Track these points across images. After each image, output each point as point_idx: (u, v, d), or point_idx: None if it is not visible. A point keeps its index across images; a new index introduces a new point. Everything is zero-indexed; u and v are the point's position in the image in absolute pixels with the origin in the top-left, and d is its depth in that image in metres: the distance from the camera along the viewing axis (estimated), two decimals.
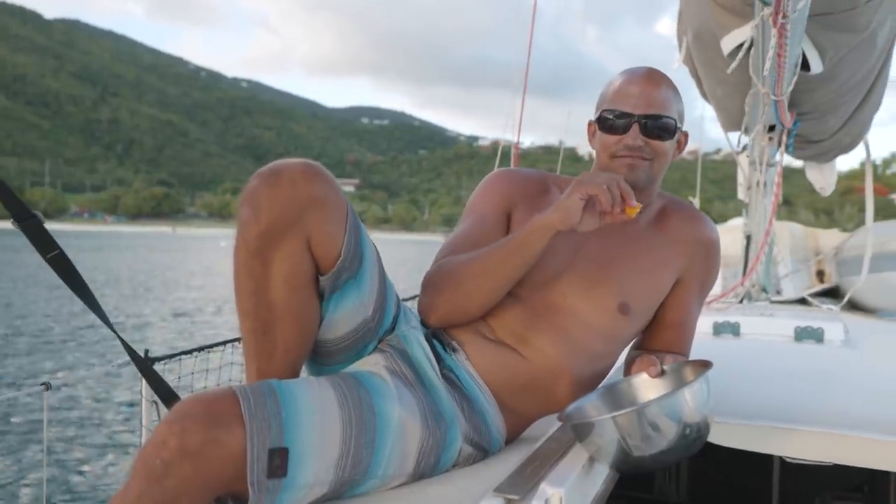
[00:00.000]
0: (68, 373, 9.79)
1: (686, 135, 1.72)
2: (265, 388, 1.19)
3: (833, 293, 4.78)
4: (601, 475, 1.44)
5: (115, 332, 1.57)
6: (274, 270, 1.29)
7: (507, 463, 1.43)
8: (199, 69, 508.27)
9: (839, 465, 1.59)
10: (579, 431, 1.33)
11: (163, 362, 2.40)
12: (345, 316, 1.40)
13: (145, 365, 1.80)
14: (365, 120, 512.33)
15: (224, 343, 2.64)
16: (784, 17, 2.74)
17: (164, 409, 1.96)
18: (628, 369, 1.65)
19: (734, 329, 3.13)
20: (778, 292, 4.67)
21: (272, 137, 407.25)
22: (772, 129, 4.01)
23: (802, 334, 3.05)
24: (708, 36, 3.81)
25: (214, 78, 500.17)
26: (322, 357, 1.46)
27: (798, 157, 4.52)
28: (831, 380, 2.35)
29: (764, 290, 4.36)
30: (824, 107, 3.85)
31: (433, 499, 1.32)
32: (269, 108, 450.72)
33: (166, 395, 1.76)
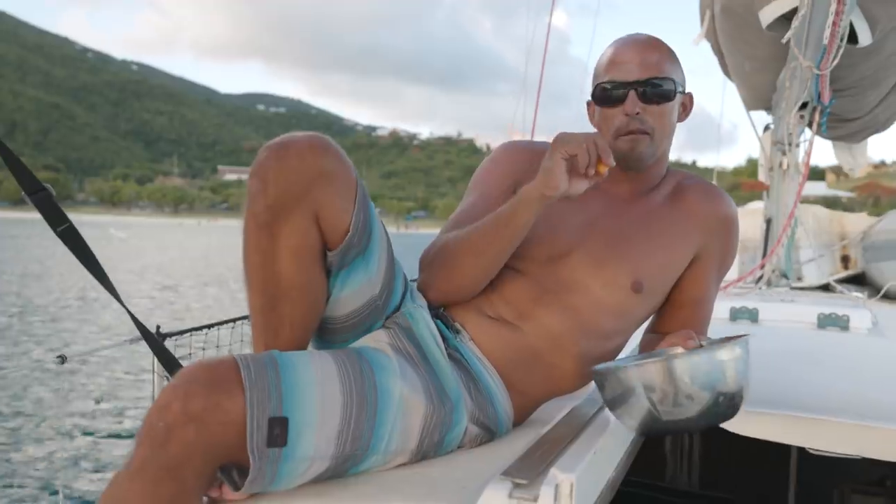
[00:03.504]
0: (82, 346, 9.89)
1: (690, 97, 1.65)
2: (266, 358, 1.19)
3: (858, 280, 4.65)
4: (612, 462, 1.40)
5: (125, 307, 1.55)
6: (282, 244, 1.27)
7: (513, 446, 1.40)
8: (85, 50, 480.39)
9: (861, 458, 1.53)
10: (608, 380, 1.30)
11: (174, 338, 2.38)
12: (352, 293, 1.37)
13: (156, 340, 1.78)
14: (261, 107, 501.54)
15: (234, 320, 2.62)
16: None
17: None
18: (644, 351, 1.60)
19: (752, 315, 3.01)
20: (799, 278, 4.53)
21: (164, 123, 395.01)
22: (804, 106, 3.82)
23: (826, 321, 2.94)
24: (740, 7, 3.64)
25: (103, 60, 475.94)
26: (328, 335, 1.44)
27: (828, 138, 4.38)
28: (857, 369, 2.26)
29: (784, 275, 4.21)
30: (865, 82, 3.69)
31: (438, 480, 1.28)
32: (160, 93, 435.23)
33: (176, 370, 1.70)
